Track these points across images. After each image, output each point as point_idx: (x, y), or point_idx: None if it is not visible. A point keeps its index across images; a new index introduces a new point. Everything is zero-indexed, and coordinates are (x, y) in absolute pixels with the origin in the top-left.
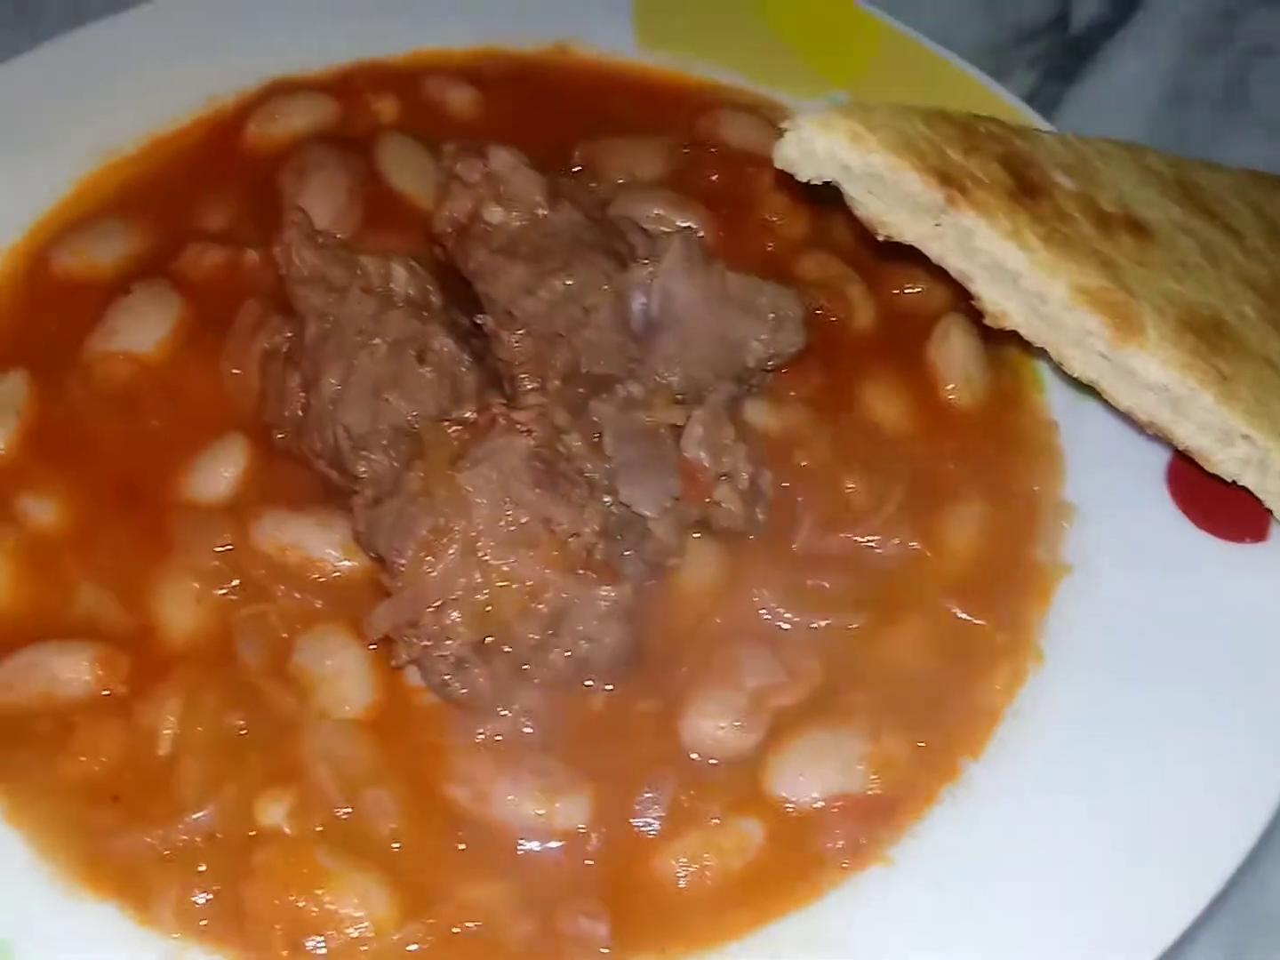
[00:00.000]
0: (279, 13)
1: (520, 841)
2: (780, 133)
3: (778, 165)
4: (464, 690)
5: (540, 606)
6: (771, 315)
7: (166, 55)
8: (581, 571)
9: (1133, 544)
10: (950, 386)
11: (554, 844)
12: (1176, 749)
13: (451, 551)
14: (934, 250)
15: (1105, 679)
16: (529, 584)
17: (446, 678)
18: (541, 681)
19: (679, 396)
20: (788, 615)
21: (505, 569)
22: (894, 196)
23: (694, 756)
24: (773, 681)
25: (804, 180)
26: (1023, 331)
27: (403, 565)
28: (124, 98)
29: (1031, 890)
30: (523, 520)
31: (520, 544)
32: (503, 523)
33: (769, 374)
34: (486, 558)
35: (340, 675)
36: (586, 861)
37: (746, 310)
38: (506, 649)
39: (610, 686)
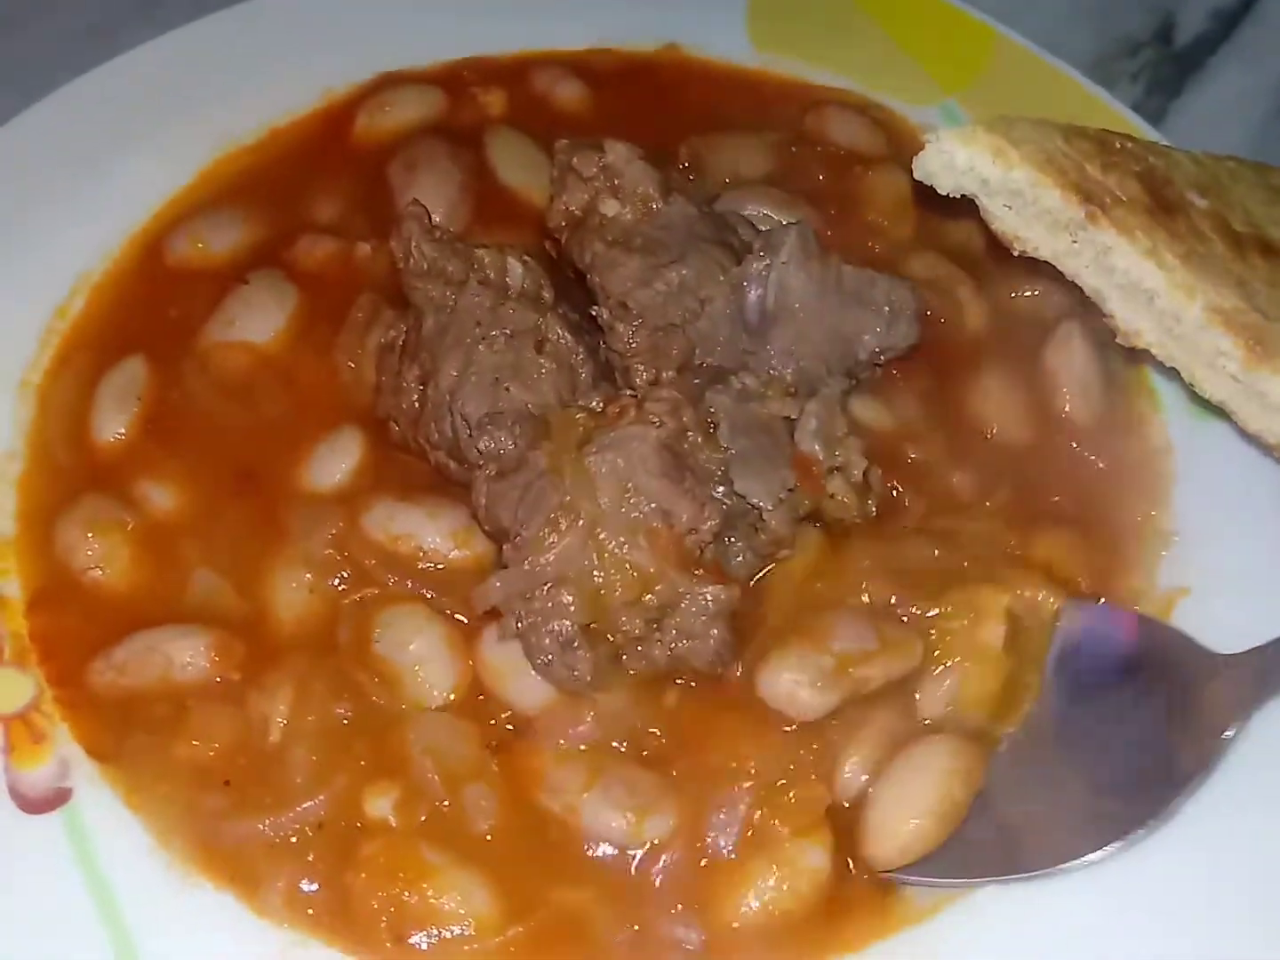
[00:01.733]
0: (394, 8)
1: (608, 849)
2: (920, 144)
3: (916, 176)
4: (565, 670)
5: (650, 598)
6: (886, 308)
7: (284, 48)
8: (695, 569)
9: (1248, 567)
10: (1067, 394)
11: (643, 853)
12: None
13: (575, 530)
14: (1068, 266)
15: None
16: (642, 573)
17: (550, 656)
18: (637, 674)
19: (790, 389)
20: (889, 601)
21: (621, 556)
22: (1032, 212)
23: (773, 710)
24: (861, 647)
25: (943, 193)
26: (1155, 351)
27: (524, 536)
28: (242, 89)
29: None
30: (644, 509)
31: (639, 532)
32: (624, 509)
33: (878, 368)
34: (605, 541)
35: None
36: (676, 871)
37: (861, 303)
38: (609, 637)
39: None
